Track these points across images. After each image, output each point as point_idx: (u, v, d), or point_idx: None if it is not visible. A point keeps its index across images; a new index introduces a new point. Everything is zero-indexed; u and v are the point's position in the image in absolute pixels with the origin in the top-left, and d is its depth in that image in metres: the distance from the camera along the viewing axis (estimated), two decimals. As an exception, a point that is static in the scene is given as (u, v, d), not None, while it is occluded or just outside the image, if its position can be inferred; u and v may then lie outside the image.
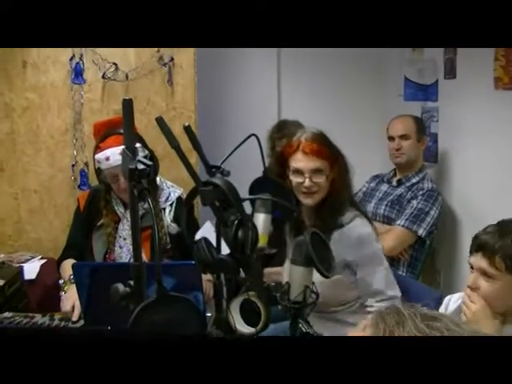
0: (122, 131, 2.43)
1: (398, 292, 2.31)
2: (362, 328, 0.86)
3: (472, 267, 1.86)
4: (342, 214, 2.29)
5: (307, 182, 2.25)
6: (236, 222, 1.55)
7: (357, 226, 2.28)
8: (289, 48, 4.29)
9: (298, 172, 2.28)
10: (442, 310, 2.11)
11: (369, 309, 2.28)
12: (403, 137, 3.47)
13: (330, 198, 2.30)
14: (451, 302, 2.07)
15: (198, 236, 1.71)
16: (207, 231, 2.21)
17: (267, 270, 2.38)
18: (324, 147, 2.27)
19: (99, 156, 2.60)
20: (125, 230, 2.69)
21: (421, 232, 3.22)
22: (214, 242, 1.65)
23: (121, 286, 1.44)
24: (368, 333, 0.82)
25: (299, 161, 2.27)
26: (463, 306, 1.87)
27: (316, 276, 1.76)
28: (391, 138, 3.52)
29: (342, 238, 2.27)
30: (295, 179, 2.28)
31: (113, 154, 2.53)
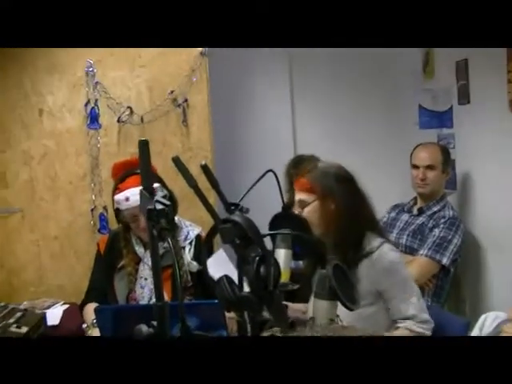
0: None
1: (429, 317, 2.24)
2: None
3: None
4: (361, 244, 2.25)
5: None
6: (257, 258, 1.53)
7: (386, 253, 2.24)
8: (302, 79, 4.36)
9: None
10: (476, 329, 2.05)
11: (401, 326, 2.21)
12: (429, 167, 3.38)
13: (338, 231, 2.26)
14: (487, 323, 2.01)
15: (209, 262, 1.70)
16: (221, 258, 2.20)
17: (292, 307, 2.36)
18: (313, 182, 2.30)
19: (119, 197, 2.62)
20: (145, 270, 2.69)
21: (445, 261, 3.17)
22: (228, 268, 1.63)
23: (144, 327, 1.43)
24: None
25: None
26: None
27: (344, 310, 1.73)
28: (415, 167, 3.43)
29: (371, 266, 2.23)
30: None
31: (132, 195, 2.55)
